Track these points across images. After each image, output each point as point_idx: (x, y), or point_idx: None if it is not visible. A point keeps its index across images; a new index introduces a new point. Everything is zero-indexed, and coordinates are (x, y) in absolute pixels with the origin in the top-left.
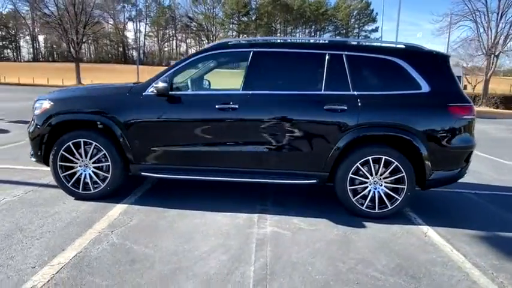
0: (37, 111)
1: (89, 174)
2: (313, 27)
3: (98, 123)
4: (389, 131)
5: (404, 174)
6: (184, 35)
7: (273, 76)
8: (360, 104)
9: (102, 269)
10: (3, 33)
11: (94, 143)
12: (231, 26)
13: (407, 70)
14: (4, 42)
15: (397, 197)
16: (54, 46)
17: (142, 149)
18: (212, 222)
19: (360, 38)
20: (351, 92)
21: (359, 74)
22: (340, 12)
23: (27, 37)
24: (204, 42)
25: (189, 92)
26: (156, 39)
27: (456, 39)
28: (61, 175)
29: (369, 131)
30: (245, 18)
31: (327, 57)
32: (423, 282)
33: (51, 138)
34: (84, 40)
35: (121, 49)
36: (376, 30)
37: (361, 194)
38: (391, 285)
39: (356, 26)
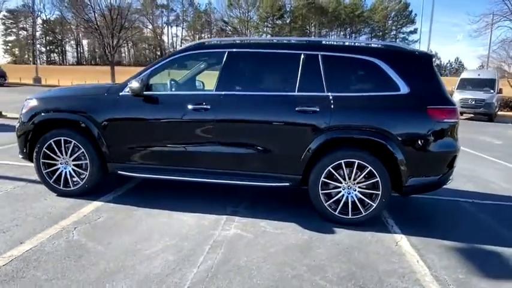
0: (23, 110)
1: (69, 171)
2: (348, 29)
3: (80, 122)
4: (361, 134)
5: (378, 179)
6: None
7: (247, 77)
8: (332, 106)
9: (48, 264)
10: (51, 38)
11: (73, 141)
12: (265, 29)
13: (385, 71)
14: (51, 47)
15: (371, 203)
16: (97, 50)
17: (118, 148)
18: (177, 222)
19: (398, 40)
20: (325, 94)
21: (334, 74)
22: (377, 14)
23: (72, 42)
24: None
25: (164, 92)
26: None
27: (495, 40)
28: (44, 172)
29: (340, 133)
30: (279, 21)
31: (301, 57)
32: None
33: (35, 136)
34: (119, 44)
35: (159, 53)
36: (414, 31)
37: (334, 198)
38: None
39: (393, 27)
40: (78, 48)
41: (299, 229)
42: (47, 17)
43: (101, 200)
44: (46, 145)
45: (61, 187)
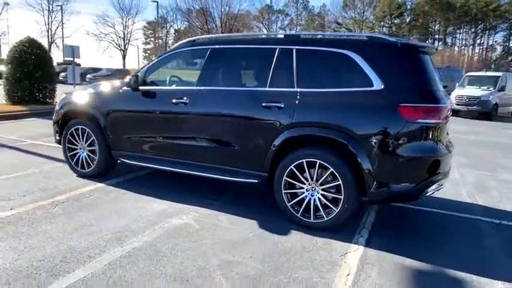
0: (58, 101)
1: (85, 156)
2: (480, 26)
3: (91, 113)
4: (322, 132)
5: (341, 182)
6: None
7: (225, 72)
8: (297, 102)
9: (9, 227)
10: None
11: (87, 130)
12: (381, 29)
13: (359, 64)
14: None
15: (333, 207)
16: None
17: (117, 136)
18: (147, 207)
19: None
20: (293, 89)
21: (306, 69)
22: None
23: None
24: None
25: (155, 87)
26: None
27: None
28: (68, 155)
29: (301, 131)
30: (397, 20)
31: (276, 52)
32: None
33: (63, 124)
34: None
35: None
36: None
37: (297, 199)
38: None
39: None
40: None
41: (254, 227)
42: (178, 27)
43: (105, 183)
44: (69, 132)
45: (79, 169)
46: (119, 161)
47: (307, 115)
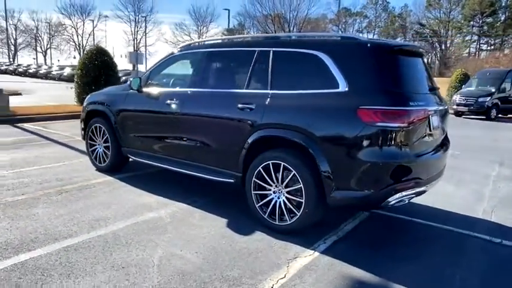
0: (85, 100)
1: (102, 151)
2: None
3: (104, 111)
4: (280, 134)
5: (302, 186)
6: (415, 43)
7: (209, 75)
8: (266, 103)
9: (12, 209)
10: None
11: (103, 128)
12: (472, 29)
13: (327, 65)
14: None
15: (295, 211)
16: None
17: (124, 134)
18: (136, 200)
19: None
20: (266, 91)
21: (280, 71)
22: None
23: None
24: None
25: (153, 89)
26: None
27: None
28: (89, 150)
29: (266, 132)
30: (489, 19)
31: (255, 54)
32: None
33: (86, 122)
34: None
35: None
36: None
37: (264, 201)
38: (144, 278)
39: None
40: None
41: (220, 225)
42: (255, 33)
43: (115, 176)
44: (90, 129)
45: (97, 163)
46: (130, 159)
47: (272, 117)
